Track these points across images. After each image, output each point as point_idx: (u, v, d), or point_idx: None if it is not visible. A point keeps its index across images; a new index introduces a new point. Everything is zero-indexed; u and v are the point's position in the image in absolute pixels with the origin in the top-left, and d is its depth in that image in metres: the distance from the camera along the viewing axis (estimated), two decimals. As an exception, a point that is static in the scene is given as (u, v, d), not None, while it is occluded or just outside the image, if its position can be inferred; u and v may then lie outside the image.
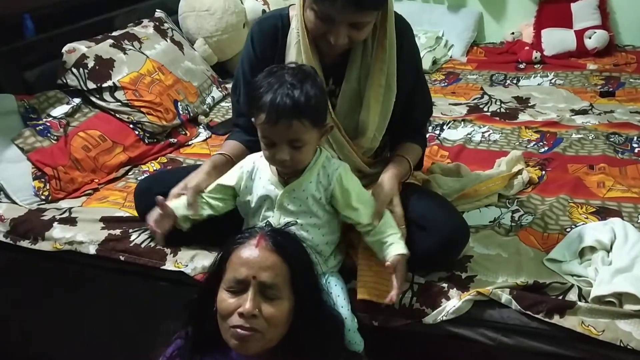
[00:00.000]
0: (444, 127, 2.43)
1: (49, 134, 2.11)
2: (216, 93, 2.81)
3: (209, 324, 1.21)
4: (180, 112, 2.48)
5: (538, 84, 2.92)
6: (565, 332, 1.39)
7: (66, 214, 1.89)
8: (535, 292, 1.47)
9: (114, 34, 2.56)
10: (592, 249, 1.55)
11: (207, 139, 2.46)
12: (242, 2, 3.08)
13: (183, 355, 1.25)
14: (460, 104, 2.72)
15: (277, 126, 1.29)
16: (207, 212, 1.45)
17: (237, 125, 1.71)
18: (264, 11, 3.01)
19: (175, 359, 1.25)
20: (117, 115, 2.32)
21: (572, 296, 1.45)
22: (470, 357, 1.55)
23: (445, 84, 3.03)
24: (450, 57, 3.39)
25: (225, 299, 1.16)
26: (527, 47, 3.29)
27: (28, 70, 2.33)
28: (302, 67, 1.37)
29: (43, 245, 1.83)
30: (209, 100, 2.74)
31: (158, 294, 1.74)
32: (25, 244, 1.85)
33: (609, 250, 1.53)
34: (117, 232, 1.78)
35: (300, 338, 1.20)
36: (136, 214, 1.76)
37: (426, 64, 3.10)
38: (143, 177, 2.10)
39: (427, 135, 2.15)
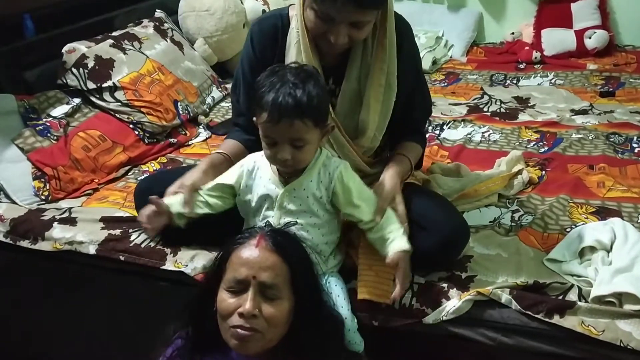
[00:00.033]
0: (444, 127, 2.43)
1: (49, 134, 2.11)
2: (216, 93, 2.81)
3: (209, 324, 1.21)
4: (180, 112, 2.48)
5: (538, 84, 2.92)
6: (565, 332, 1.39)
7: (66, 214, 1.89)
8: (535, 292, 1.47)
9: (114, 34, 2.56)
10: (592, 249, 1.55)
11: (207, 139, 2.46)
12: (242, 2, 3.08)
13: (183, 355, 1.25)
14: (460, 104, 2.72)
15: (279, 125, 1.29)
16: (203, 210, 1.45)
17: (236, 125, 1.71)
18: (264, 11, 3.01)
19: (175, 359, 1.25)
20: (117, 115, 2.32)
21: (572, 296, 1.45)
22: (470, 357, 1.55)
23: (445, 84, 3.03)
24: (450, 57, 3.39)
25: (225, 299, 1.16)
26: (527, 47, 3.29)
27: (28, 70, 2.33)
28: (304, 67, 1.37)
29: (43, 245, 1.83)
30: (209, 100, 2.75)
31: (158, 294, 1.74)
32: (25, 244, 1.85)
33: (609, 250, 1.53)
34: (117, 232, 1.78)
35: (300, 338, 1.20)
36: (136, 214, 1.75)
37: (426, 64, 3.10)
38: (143, 177, 2.10)
39: (427, 135, 2.15)
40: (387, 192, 1.48)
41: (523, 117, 2.53)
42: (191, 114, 2.55)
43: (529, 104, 2.66)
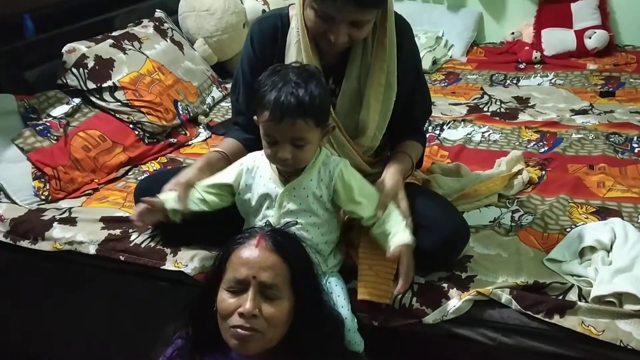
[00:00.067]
0: (444, 127, 2.43)
1: (49, 134, 2.11)
2: (216, 93, 2.81)
3: (209, 324, 1.21)
4: (180, 112, 2.48)
5: (538, 84, 2.92)
6: (565, 332, 1.39)
7: (66, 214, 1.89)
8: (535, 292, 1.47)
9: (114, 34, 2.56)
10: (592, 249, 1.55)
11: (207, 139, 2.46)
12: (242, 2, 3.08)
13: (183, 355, 1.25)
14: (460, 104, 2.72)
15: (281, 124, 1.29)
16: (198, 207, 1.44)
17: (236, 124, 1.71)
18: (264, 11, 3.01)
19: (175, 359, 1.25)
20: (117, 115, 2.32)
21: (572, 296, 1.45)
22: (470, 357, 1.55)
23: (445, 84, 3.03)
24: (450, 57, 3.39)
25: (225, 299, 1.16)
26: (527, 47, 3.29)
27: (28, 70, 2.33)
28: (306, 67, 1.37)
29: (43, 245, 1.83)
30: (209, 100, 2.74)
31: (158, 294, 1.74)
32: (25, 244, 1.85)
33: (609, 250, 1.53)
34: (117, 232, 1.78)
35: (300, 338, 1.20)
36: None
37: (426, 64, 3.10)
38: (143, 177, 2.10)
39: (427, 135, 2.15)
40: (389, 188, 1.47)
41: (523, 117, 2.53)
42: (191, 114, 2.55)
43: (529, 104, 2.66)
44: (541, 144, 2.27)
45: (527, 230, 1.71)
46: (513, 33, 3.46)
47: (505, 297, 1.45)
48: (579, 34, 3.24)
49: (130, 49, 2.50)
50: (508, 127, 2.43)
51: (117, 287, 1.82)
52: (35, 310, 1.99)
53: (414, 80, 1.67)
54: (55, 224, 1.85)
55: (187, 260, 1.65)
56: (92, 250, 1.77)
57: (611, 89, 2.77)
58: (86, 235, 1.79)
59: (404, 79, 1.59)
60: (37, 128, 2.12)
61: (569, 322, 1.39)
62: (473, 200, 1.84)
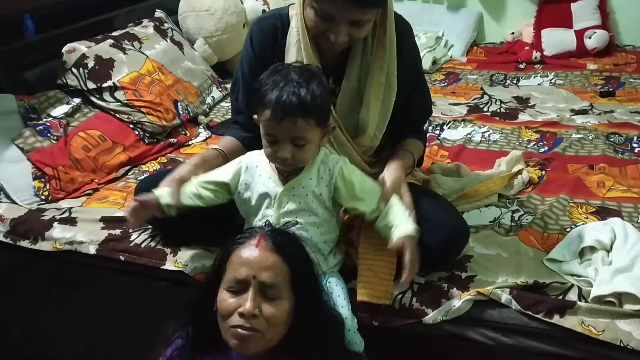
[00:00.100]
0: (444, 127, 2.43)
1: (49, 134, 2.12)
2: (216, 93, 2.81)
3: (209, 324, 1.21)
4: (180, 112, 2.48)
5: (538, 84, 2.92)
6: (565, 332, 1.39)
7: (66, 214, 1.89)
8: (535, 292, 1.47)
9: (114, 34, 2.56)
10: (592, 249, 1.55)
11: (207, 139, 2.46)
12: (242, 2, 3.08)
13: (183, 355, 1.25)
14: (460, 104, 2.72)
15: (282, 123, 1.29)
16: (192, 201, 1.44)
17: (235, 123, 1.71)
18: (264, 11, 3.01)
19: (175, 359, 1.25)
20: (117, 115, 2.32)
21: (572, 296, 1.45)
22: (470, 357, 1.55)
23: (445, 84, 3.03)
24: (450, 57, 3.39)
25: (225, 298, 1.16)
26: (527, 47, 3.29)
27: (28, 70, 2.33)
28: (308, 67, 1.37)
29: (43, 245, 1.83)
30: (209, 100, 2.75)
31: (158, 294, 1.74)
32: (25, 244, 1.85)
33: (609, 250, 1.53)
34: (117, 232, 1.78)
35: (300, 338, 1.20)
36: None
37: (426, 64, 3.10)
38: (143, 177, 2.10)
39: (427, 135, 2.15)
40: (392, 181, 1.47)
41: (523, 117, 2.53)
42: (191, 114, 2.55)
43: (529, 104, 2.66)
44: (541, 144, 2.27)
45: (527, 230, 1.71)
46: (513, 33, 3.46)
47: (505, 297, 1.45)
48: (579, 34, 3.24)
49: (130, 49, 2.50)
50: (508, 127, 2.43)
51: (117, 287, 1.82)
52: (35, 310, 1.99)
53: (414, 80, 1.67)
54: (55, 224, 1.85)
55: (187, 260, 1.65)
56: (92, 250, 1.77)
57: (611, 89, 2.77)
58: (86, 235, 1.79)
59: (404, 78, 1.59)
60: (37, 128, 2.12)
61: (569, 322, 1.39)
62: (473, 200, 1.84)
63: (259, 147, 1.40)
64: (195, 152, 2.34)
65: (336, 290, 1.42)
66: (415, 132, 1.74)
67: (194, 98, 2.62)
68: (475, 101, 2.75)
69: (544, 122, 2.45)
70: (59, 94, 2.29)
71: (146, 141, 2.32)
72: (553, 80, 2.94)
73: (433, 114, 1.90)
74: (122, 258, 1.73)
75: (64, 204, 1.98)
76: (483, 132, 2.38)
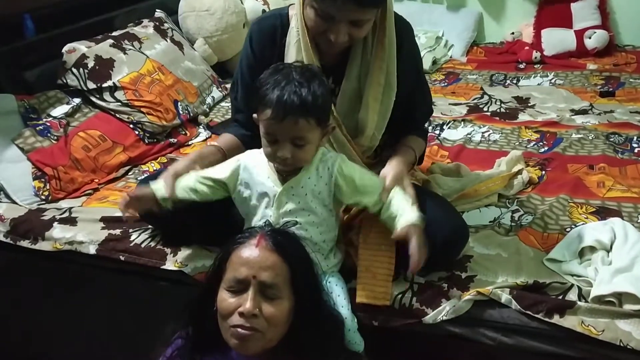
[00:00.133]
0: (444, 127, 2.43)
1: (49, 134, 2.12)
2: (216, 93, 2.81)
3: (209, 323, 1.21)
4: (180, 112, 2.48)
5: (538, 84, 2.92)
6: (565, 332, 1.39)
7: (66, 214, 1.89)
8: (535, 292, 1.47)
9: (114, 34, 2.56)
10: (592, 249, 1.55)
11: (207, 139, 2.46)
12: (242, 2, 3.08)
13: (183, 355, 1.25)
14: (460, 104, 2.72)
15: (283, 123, 1.29)
16: (187, 195, 1.43)
17: (235, 121, 1.71)
18: (264, 11, 3.01)
19: (175, 359, 1.25)
20: (117, 115, 2.32)
21: (572, 296, 1.45)
22: (470, 357, 1.55)
23: (445, 84, 3.03)
24: (450, 57, 3.39)
25: (225, 298, 1.16)
26: (527, 47, 3.29)
27: (28, 70, 2.33)
28: (309, 67, 1.37)
29: (43, 245, 1.83)
30: (209, 100, 2.75)
31: (158, 294, 1.74)
32: (25, 244, 1.85)
33: (608, 250, 1.53)
34: (117, 232, 1.78)
35: (300, 338, 1.20)
36: (136, 214, 1.76)
37: (426, 64, 3.10)
38: (143, 177, 2.10)
39: (427, 135, 2.15)
40: (394, 174, 1.46)
41: (523, 117, 2.53)
42: (191, 114, 2.55)
43: (529, 104, 2.66)
44: (541, 144, 2.27)
45: (527, 230, 1.71)
46: (513, 33, 3.46)
47: (505, 297, 1.45)
48: (579, 34, 3.24)
49: (130, 49, 2.50)
50: (508, 127, 2.43)
51: (117, 287, 1.82)
52: (35, 310, 1.99)
53: (415, 80, 1.67)
54: (55, 223, 1.85)
55: (187, 260, 1.66)
56: (92, 250, 1.77)
57: (611, 89, 2.77)
58: (86, 235, 1.79)
59: (404, 78, 1.59)
60: (37, 128, 2.12)
61: (569, 322, 1.39)
62: (473, 200, 1.84)
63: (258, 146, 1.40)
64: (195, 152, 2.35)
65: (336, 290, 1.42)
66: (416, 130, 1.74)
67: (194, 98, 2.62)
68: (475, 101, 2.75)
69: (544, 122, 2.45)
70: (59, 94, 2.29)
71: (146, 141, 2.32)
72: (553, 80, 2.94)
73: (433, 114, 1.90)
74: (122, 258, 1.73)
75: (64, 204, 1.98)
76: (483, 132, 2.38)
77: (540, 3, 3.41)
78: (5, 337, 2.07)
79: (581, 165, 2.07)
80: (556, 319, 1.39)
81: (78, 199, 2.02)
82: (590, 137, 2.28)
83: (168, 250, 1.69)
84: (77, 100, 2.30)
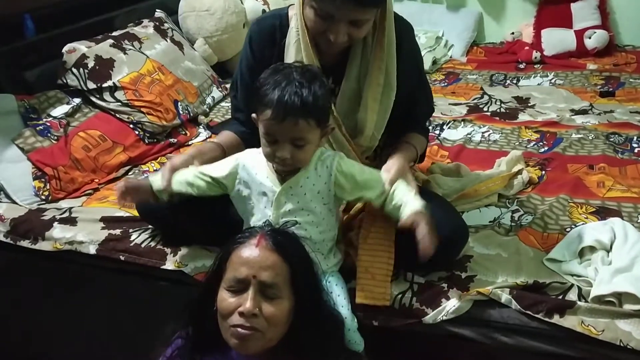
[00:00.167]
0: (444, 127, 2.43)
1: (49, 134, 2.12)
2: (216, 93, 2.82)
3: (209, 323, 1.21)
4: (180, 112, 2.48)
5: (538, 84, 2.92)
6: (565, 332, 1.39)
7: (66, 214, 1.89)
8: (535, 292, 1.47)
9: (114, 34, 2.56)
10: (592, 249, 1.55)
11: (207, 139, 2.46)
12: (242, 2, 3.08)
13: (183, 355, 1.25)
14: (460, 104, 2.72)
15: (283, 124, 1.29)
16: (184, 188, 1.44)
17: (235, 119, 1.71)
18: (264, 11, 3.02)
19: (175, 359, 1.25)
20: (117, 115, 2.32)
21: (572, 296, 1.45)
22: (470, 357, 1.55)
23: (445, 84, 3.03)
24: (450, 57, 3.39)
25: (225, 298, 1.16)
26: (527, 47, 3.29)
27: (28, 70, 2.33)
28: (309, 67, 1.37)
29: (43, 245, 1.83)
30: (209, 100, 2.75)
31: (158, 294, 1.74)
32: (25, 244, 1.85)
33: (608, 250, 1.53)
34: (117, 232, 1.78)
35: (300, 338, 1.20)
36: (136, 214, 1.76)
37: (426, 64, 3.09)
38: (143, 177, 2.10)
39: (429, 134, 2.15)
40: (396, 168, 1.46)
41: (523, 117, 2.53)
42: (191, 114, 2.55)
43: (529, 104, 2.66)
44: (541, 144, 2.27)
45: (527, 230, 1.71)
46: (513, 33, 3.46)
47: (505, 297, 1.45)
48: (579, 34, 3.24)
49: (130, 49, 2.50)
50: (508, 127, 2.43)
51: (117, 287, 1.82)
52: (35, 310, 1.99)
53: (416, 80, 1.67)
54: (55, 223, 1.85)
55: (187, 260, 1.66)
56: (92, 250, 1.77)
57: (611, 89, 2.77)
58: (86, 235, 1.79)
59: (404, 78, 1.59)
60: (38, 128, 2.12)
61: (569, 321, 1.39)
62: (473, 200, 1.84)
63: (258, 143, 1.39)
64: (195, 152, 2.35)
65: (336, 289, 1.42)
66: (417, 128, 1.73)
67: (194, 98, 2.62)
68: (475, 101, 2.75)
69: (544, 122, 2.45)
70: (59, 94, 2.30)
71: (146, 141, 2.32)
72: (553, 80, 2.94)
73: (433, 114, 1.90)
74: (122, 258, 1.73)
75: (64, 204, 1.98)
76: (483, 132, 2.38)
77: (540, 3, 3.41)
78: (5, 337, 2.07)
79: (581, 165, 2.07)
80: (556, 319, 1.39)
81: (78, 199, 2.03)
82: (590, 137, 2.28)
83: (168, 250, 1.69)
84: (77, 100, 2.30)
